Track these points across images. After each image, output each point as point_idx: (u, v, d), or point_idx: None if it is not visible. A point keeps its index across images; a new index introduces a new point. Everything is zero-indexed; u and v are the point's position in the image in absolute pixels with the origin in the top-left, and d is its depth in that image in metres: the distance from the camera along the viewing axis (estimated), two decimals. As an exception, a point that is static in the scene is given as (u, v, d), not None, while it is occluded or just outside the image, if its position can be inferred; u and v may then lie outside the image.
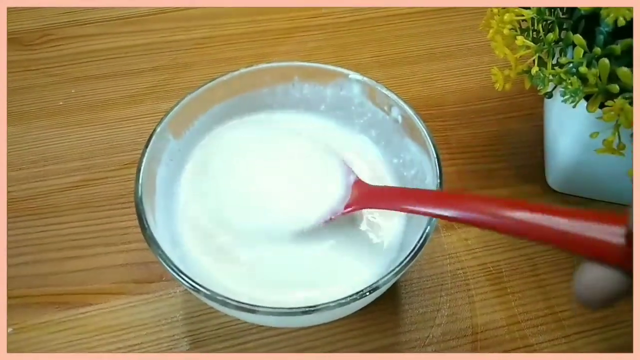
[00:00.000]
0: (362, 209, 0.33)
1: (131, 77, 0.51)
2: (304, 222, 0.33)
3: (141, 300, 0.38)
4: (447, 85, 0.51)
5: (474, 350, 0.36)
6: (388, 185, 0.37)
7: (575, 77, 0.31)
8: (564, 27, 0.34)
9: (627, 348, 0.24)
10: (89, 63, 0.52)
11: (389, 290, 0.30)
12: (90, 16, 0.56)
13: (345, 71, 0.36)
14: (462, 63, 0.53)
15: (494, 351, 0.36)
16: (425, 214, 0.29)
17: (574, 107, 0.32)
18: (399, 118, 0.35)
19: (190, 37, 0.54)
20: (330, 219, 0.33)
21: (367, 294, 0.28)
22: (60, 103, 0.49)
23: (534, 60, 0.35)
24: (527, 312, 0.37)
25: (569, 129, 0.37)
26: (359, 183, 0.34)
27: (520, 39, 0.34)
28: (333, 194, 0.33)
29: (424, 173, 0.34)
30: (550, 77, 0.32)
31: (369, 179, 0.34)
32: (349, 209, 0.33)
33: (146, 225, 0.30)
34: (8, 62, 0.51)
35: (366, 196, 0.33)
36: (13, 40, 0.54)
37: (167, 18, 0.56)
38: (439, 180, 0.31)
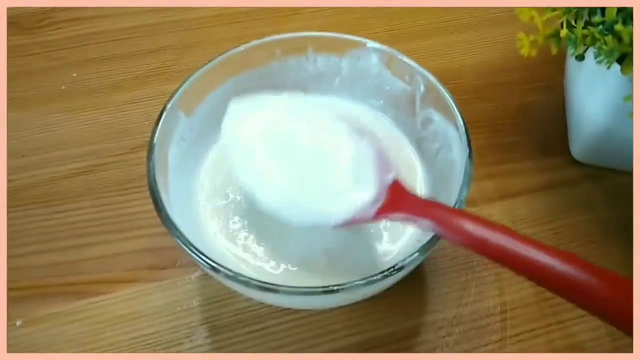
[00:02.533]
0: (393, 219, 0.28)
1: (135, 58, 0.49)
2: (324, 219, 0.28)
3: (155, 287, 0.36)
4: (465, 58, 0.49)
5: (503, 329, 0.35)
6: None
7: (610, 36, 0.29)
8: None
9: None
10: (91, 45, 0.50)
11: (413, 269, 0.28)
12: (90, -3, 0.54)
13: (363, 40, 0.34)
14: (479, 35, 0.51)
15: (525, 329, 0.34)
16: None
17: (608, 68, 0.30)
18: (422, 87, 0.33)
19: (195, 17, 0.52)
20: (353, 222, 0.28)
21: (393, 273, 0.26)
22: (63, 87, 0.47)
23: (561, 24, 0.33)
24: (557, 289, 0.36)
25: (599, 94, 0.35)
26: (396, 186, 0.29)
27: None
28: (363, 193, 0.28)
29: (450, 145, 0.32)
30: (583, 37, 0.30)
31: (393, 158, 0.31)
32: (380, 216, 0.28)
33: (161, 206, 0.28)
34: (8, 46, 0.50)
35: (402, 205, 0.28)
36: (13, 24, 0.52)
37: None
38: (468, 150, 0.29)
